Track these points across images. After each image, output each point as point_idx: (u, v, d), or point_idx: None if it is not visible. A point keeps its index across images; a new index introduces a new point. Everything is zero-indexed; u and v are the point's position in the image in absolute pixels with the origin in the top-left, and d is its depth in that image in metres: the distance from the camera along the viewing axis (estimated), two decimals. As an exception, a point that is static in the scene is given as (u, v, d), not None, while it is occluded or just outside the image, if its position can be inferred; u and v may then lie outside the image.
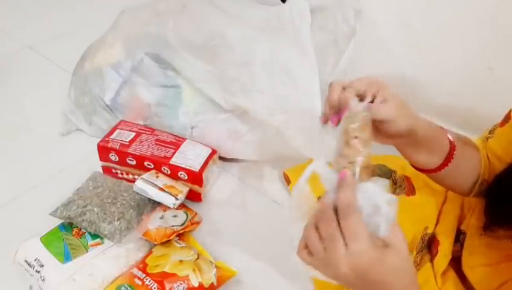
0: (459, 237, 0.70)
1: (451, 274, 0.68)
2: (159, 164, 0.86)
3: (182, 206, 0.84)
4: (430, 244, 0.75)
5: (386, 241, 0.43)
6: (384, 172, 0.79)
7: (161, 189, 0.81)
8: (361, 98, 0.50)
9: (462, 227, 0.71)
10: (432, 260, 0.71)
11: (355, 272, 0.42)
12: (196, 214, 0.84)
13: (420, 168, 0.62)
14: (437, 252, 0.70)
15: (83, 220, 0.74)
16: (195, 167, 0.86)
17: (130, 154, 0.87)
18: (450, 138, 0.60)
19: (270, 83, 0.85)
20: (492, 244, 0.61)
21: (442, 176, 0.61)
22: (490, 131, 0.65)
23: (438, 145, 0.59)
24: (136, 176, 0.86)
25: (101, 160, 0.90)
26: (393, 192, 0.78)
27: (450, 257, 0.68)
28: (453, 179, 0.63)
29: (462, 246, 0.69)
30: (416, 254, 0.73)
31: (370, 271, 0.42)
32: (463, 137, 0.64)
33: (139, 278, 0.69)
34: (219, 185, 0.95)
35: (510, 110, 0.62)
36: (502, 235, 0.57)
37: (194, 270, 0.70)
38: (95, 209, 0.75)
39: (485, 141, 0.65)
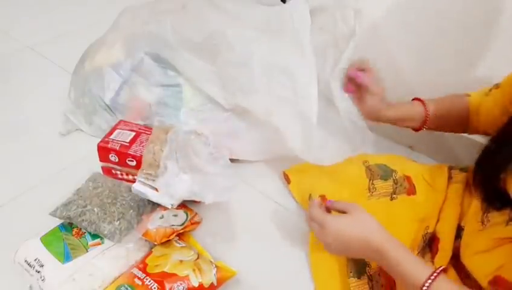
0: (460, 233, 0.71)
1: (452, 273, 0.68)
2: (159, 164, 0.86)
3: (182, 206, 0.84)
4: (430, 243, 0.75)
5: (346, 211, 0.63)
6: (384, 172, 0.80)
7: (160, 189, 0.81)
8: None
9: (462, 223, 0.71)
10: (432, 259, 0.72)
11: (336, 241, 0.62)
12: (196, 214, 0.84)
13: (415, 128, 0.83)
14: (437, 250, 0.71)
15: (83, 220, 0.74)
16: (195, 167, 0.86)
17: (130, 155, 0.87)
18: (419, 98, 0.84)
19: (269, 84, 0.85)
20: (487, 233, 0.63)
21: (433, 127, 0.81)
22: (490, 90, 0.77)
23: (408, 104, 0.83)
24: (136, 177, 0.86)
25: (100, 160, 0.90)
26: (394, 192, 0.78)
27: (450, 254, 0.69)
28: (443, 126, 0.83)
29: None
30: (418, 253, 0.74)
31: (343, 235, 0.61)
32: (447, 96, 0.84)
33: (139, 278, 0.69)
34: (219, 185, 0.96)
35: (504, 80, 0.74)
36: (495, 221, 0.63)
37: (194, 270, 0.70)
38: (95, 209, 0.75)
39: (488, 93, 0.77)
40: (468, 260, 0.65)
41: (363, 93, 0.80)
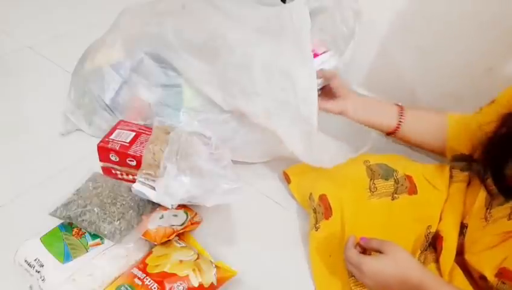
0: (463, 231, 0.71)
1: (458, 272, 0.68)
2: (159, 164, 0.86)
3: (182, 206, 0.84)
4: (434, 242, 0.75)
5: (381, 250, 0.63)
6: (385, 171, 0.79)
7: (160, 190, 0.81)
8: None
9: (466, 221, 0.72)
10: (437, 259, 0.72)
11: (375, 282, 0.62)
12: (196, 214, 0.84)
13: (386, 132, 0.83)
14: (441, 248, 0.71)
15: (83, 220, 0.74)
16: (196, 167, 0.86)
17: (130, 155, 0.87)
18: (399, 103, 0.82)
19: (269, 87, 0.85)
20: (491, 229, 0.64)
21: (404, 134, 0.81)
22: (480, 108, 0.76)
23: (385, 107, 0.82)
24: (136, 177, 0.86)
25: (100, 160, 0.90)
26: (395, 191, 0.78)
27: (454, 252, 0.69)
28: (414, 136, 0.82)
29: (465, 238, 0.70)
30: (420, 253, 0.74)
31: (382, 275, 0.61)
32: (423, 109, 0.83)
33: (139, 278, 0.69)
34: (219, 185, 0.95)
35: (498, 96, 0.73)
36: (498, 216, 0.64)
37: (194, 270, 0.70)
38: (95, 209, 0.75)
39: (470, 116, 0.76)
40: (473, 257, 0.66)
41: (326, 91, 0.85)
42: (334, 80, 0.83)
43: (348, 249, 0.66)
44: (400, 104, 0.83)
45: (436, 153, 0.83)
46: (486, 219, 0.67)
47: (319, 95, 0.82)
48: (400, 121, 0.80)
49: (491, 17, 0.86)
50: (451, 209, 0.75)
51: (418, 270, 0.60)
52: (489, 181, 0.68)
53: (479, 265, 0.64)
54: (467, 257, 0.67)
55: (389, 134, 0.83)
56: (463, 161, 0.79)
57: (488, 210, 0.67)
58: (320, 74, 0.83)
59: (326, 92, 0.85)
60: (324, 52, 0.89)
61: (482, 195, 0.70)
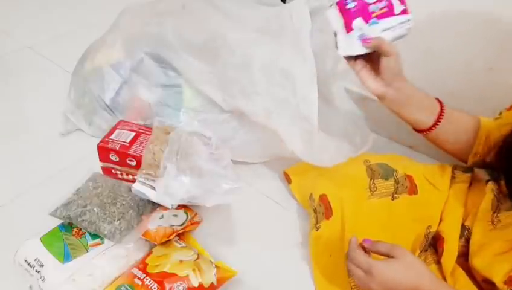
0: (464, 233, 0.71)
1: (460, 272, 0.68)
2: (159, 164, 0.86)
3: (182, 206, 0.84)
4: (435, 243, 0.75)
5: (391, 255, 0.60)
6: (385, 171, 0.79)
7: (160, 190, 0.81)
8: None
9: (467, 223, 0.71)
10: (439, 260, 0.72)
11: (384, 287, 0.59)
12: (196, 214, 0.84)
13: (419, 129, 0.77)
14: (443, 249, 0.71)
15: (83, 220, 0.74)
16: (196, 167, 0.86)
17: (130, 155, 0.87)
18: (439, 99, 0.76)
19: (269, 86, 0.85)
20: (501, 235, 0.63)
21: (437, 134, 0.76)
22: (500, 113, 0.73)
23: (427, 103, 0.75)
24: (136, 177, 0.86)
25: (100, 160, 0.90)
26: (395, 191, 0.78)
27: (456, 253, 0.69)
28: (446, 137, 0.77)
29: (466, 241, 0.70)
30: (420, 252, 0.74)
31: (392, 282, 0.59)
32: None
33: (139, 278, 0.69)
34: (219, 185, 0.95)
35: None
36: (507, 222, 0.64)
37: (194, 270, 0.70)
38: (95, 209, 0.75)
39: (493, 121, 0.73)
40: (480, 262, 0.65)
41: (374, 59, 0.71)
42: (386, 58, 0.68)
43: (353, 250, 0.64)
44: (440, 101, 0.75)
45: (457, 156, 0.79)
46: (493, 222, 0.66)
47: (358, 59, 0.71)
48: (438, 122, 0.74)
49: (492, 17, 0.86)
50: (452, 210, 0.75)
51: (429, 279, 0.58)
52: (497, 184, 0.67)
53: (486, 270, 0.63)
54: (473, 260, 0.66)
55: (418, 131, 0.77)
56: (484, 167, 0.76)
57: (496, 214, 0.66)
58: (375, 42, 0.68)
59: (373, 63, 0.71)
60: (400, 15, 0.69)
61: (488, 197, 0.70)
